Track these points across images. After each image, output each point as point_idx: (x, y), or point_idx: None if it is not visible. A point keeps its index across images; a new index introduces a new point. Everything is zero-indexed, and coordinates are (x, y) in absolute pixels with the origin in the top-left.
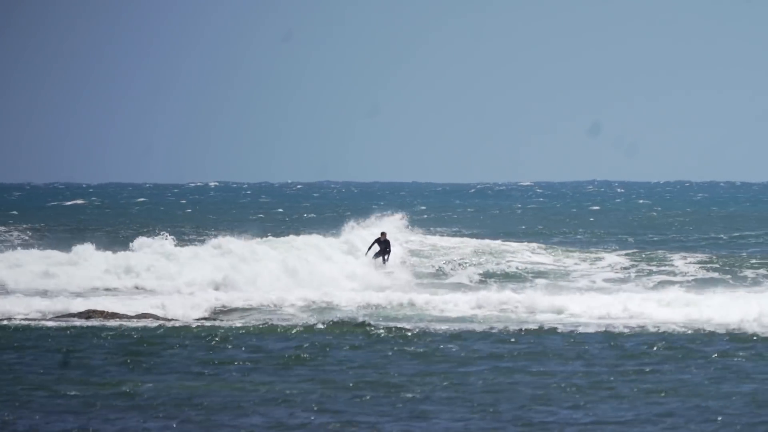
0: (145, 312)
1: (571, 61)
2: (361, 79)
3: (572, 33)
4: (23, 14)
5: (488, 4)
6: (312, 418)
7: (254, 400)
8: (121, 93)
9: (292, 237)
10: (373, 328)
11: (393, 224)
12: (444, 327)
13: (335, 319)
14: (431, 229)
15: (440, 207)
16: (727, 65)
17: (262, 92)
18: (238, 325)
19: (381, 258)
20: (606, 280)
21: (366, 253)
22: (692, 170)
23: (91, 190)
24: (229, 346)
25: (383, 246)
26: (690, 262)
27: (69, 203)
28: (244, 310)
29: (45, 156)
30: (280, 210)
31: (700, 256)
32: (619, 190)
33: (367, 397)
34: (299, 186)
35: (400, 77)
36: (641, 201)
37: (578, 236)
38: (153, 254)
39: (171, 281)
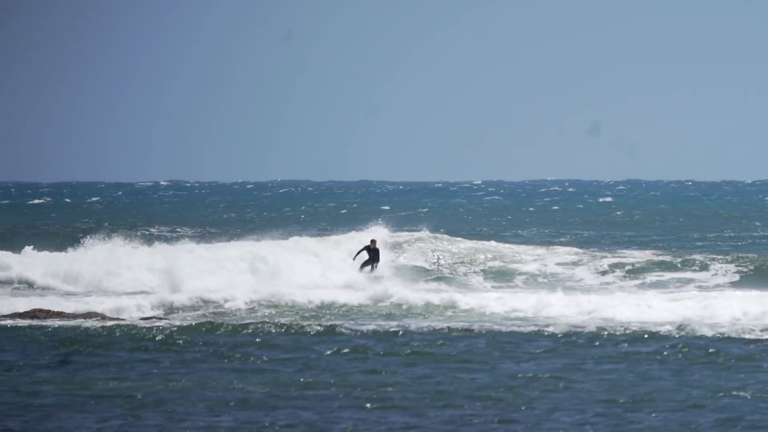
0: (91, 311)
1: (545, 63)
2: (355, 79)
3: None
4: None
5: (480, 6)
6: (275, 418)
7: (216, 398)
8: (116, 92)
9: (256, 241)
10: (326, 326)
11: (378, 232)
12: (401, 324)
13: (286, 317)
14: (398, 227)
15: (401, 206)
16: (704, 64)
17: (250, 92)
18: (185, 324)
19: (369, 267)
20: (558, 264)
21: (354, 258)
22: (642, 169)
23: (42, 189)
24: (178, 345)
25: (372, 254)
26: (644, 253)
27: (31, 202)
28: (193, 308)
29: None
30: (235, 210)
31: (659, 251)
32: (570, 189)
33: (328, 396)
34: (250, 185)
35: (384, 78)
36: (601, 200)
37: (533, 231)
38: (103, 253)
39: (120, 280)
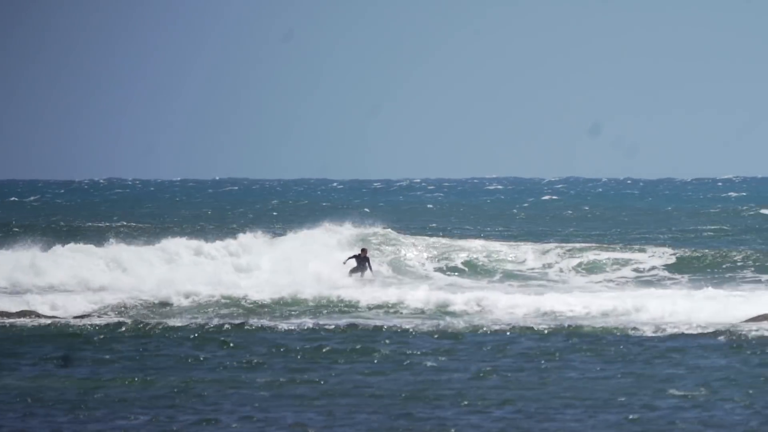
0: (25, 309)
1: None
2: (351, 80)
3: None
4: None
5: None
6: (223, 414)
7: (161, 395)
8: (120, 93)
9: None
10: (271, 323)
11: (346, 230)
12: (350, 321)
13: (227, 313)
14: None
15: (350, 204)
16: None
17: (249, 92)
18: (121, 321)
19: (358, 273)
20: (498, 244)
21: (344, 262)
22: (578, 167)
23: None
24: (116, 342)
25: (361, 262)
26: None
27: None
28: (131, 305)
29: None
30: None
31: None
32: (509, 187)
33: (276, 393)
34: (191, 184)
35: (380, 77)
36: (545, 197)
37: (483, 228)
38: (37, 252)
39: (53, 279)
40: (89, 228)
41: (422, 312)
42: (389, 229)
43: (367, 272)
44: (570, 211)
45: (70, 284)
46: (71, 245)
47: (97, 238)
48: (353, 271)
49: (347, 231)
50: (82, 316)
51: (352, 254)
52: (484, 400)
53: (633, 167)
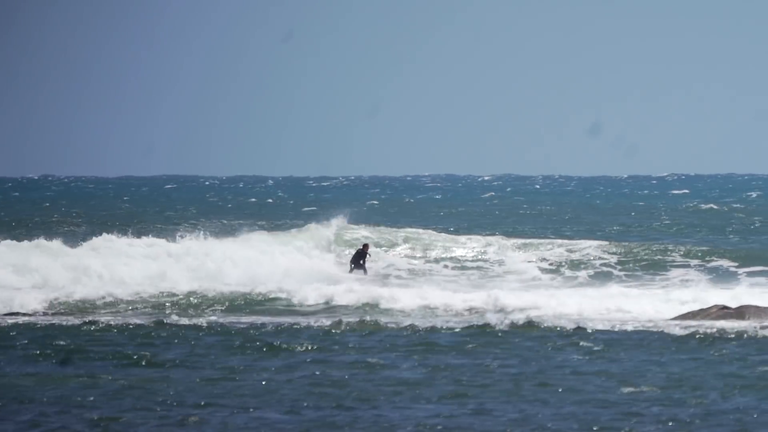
0: None
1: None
2: (352, 80)
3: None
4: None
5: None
6: (165, 411)
7: (100, 392)
8: (119, 91)
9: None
10: (206, 320)
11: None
12: (261, 319)
13: (158, 314)
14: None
15: (290, 202)
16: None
17: (249, 93)
18: (51, 321)
19: (361, 270)
20: (434, 232)
21: (361, 263)
22: (517, 165)
23: None
24: (47, 341)
25: (360, 257)
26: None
27: None
28: (59, 304)
29: None
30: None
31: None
32: (447, 184)
33: (211, 391)
34: (131, 181)
35: (388, 77)
36: (486, 195)
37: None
38: None
39: None
40: (30, 223)
41: (358, 308)
42: (347, 222)
43: (363, 270)
44: (517, 209)
45: (10, 282)
46: (6, 241)
47: (32, 234)
48: (356, 267)
49: (311, 230)
50: (12, 314)
51: (355, 251)
52: (427, 397)
53: (567, 165)
